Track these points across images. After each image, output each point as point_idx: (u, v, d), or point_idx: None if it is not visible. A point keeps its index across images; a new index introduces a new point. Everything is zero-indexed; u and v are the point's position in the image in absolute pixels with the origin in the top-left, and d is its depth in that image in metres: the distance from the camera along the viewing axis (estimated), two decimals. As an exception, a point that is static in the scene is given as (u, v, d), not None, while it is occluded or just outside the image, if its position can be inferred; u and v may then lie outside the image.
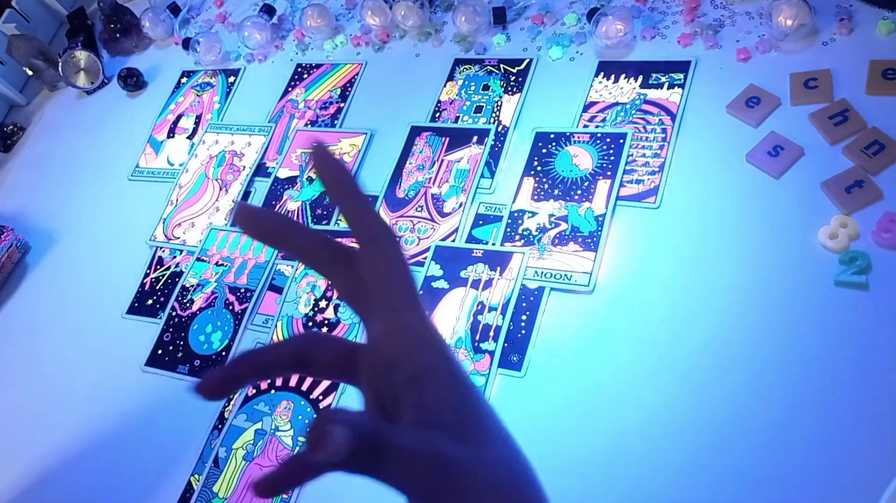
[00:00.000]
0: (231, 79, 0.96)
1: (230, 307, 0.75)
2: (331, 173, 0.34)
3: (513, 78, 0.80)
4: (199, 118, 0.95)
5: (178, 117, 0.96)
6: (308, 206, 0.79)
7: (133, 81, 1.01)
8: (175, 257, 0.82)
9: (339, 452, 0.28)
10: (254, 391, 0.69)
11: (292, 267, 0.75)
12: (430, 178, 0.76)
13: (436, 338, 0.33)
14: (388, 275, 0.33)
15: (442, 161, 0.76)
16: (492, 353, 0.63)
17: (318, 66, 0.92)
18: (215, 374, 0.33)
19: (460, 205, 0.73)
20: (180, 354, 0.74)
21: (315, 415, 0.26)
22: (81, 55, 1.04)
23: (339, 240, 0.34)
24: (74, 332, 0.81)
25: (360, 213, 0.34)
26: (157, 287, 0.81)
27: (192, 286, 0.79)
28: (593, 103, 0.74)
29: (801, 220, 0.61)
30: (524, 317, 0.64)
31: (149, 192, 0.90)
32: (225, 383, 0.33)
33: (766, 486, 0.51)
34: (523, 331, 0.63)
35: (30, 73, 1.08)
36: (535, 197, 0.70)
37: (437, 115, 0.81)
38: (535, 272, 0.66)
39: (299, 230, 0.34)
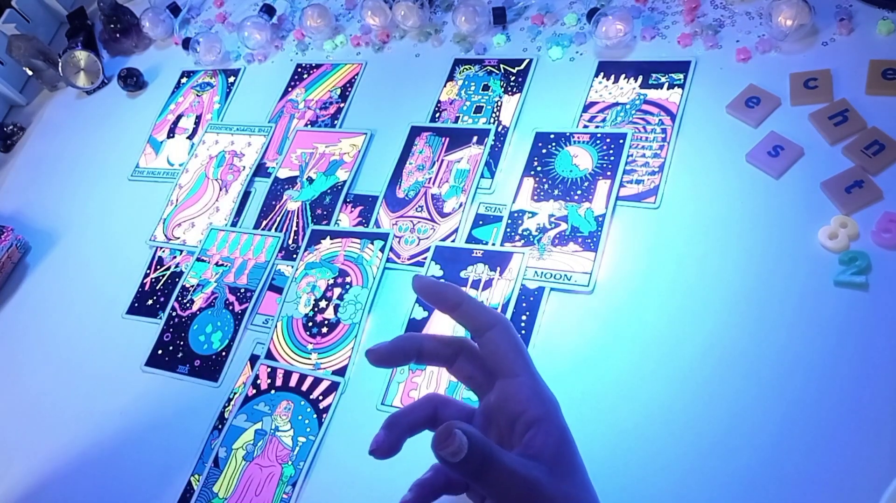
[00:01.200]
0: (231, 79, 0.96)
1: (230, 307, 0.75)
2: (440, 297, 0.44)
3: (513, 78, 0.80)
4: (199, 118, 0.95)
5: (178, 117, 0.96)
6: (308, 206, 0.79)
7: (133, 81, 1.01)
8: (175, 257, 0.82)
9: (459, 452, 0.36)
10: (254, 391, 0.69)
11: (292, 267, 0.76)
12: (430, 179, 0.76)
13: (547, 395, 0.43)
14: (507, 349, 0.43)
15: (442, 161, 0.77)
16: (492, 353, 0.63)
17: (318, 66, 0.92)
18: (381, 437, 0.44)
19: (460, 205, 0.73)
20: (180, 354, 0.74)
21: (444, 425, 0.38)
22: (81, 55, 1.04)
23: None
24: (74, 332, 0.82)
25: (475, 311, 0.44)
26: (157, 287, 0.81)
27: (192, 286, 0.79)
28: (593, 103, 0.74)
29: (800, 220, 0.61)
30: (524, 318, 0.64)
31: (149, 192, 0.90)
32: (384, 446, 0.44)
33: (765, 486, 0.51)
34: (523, 332, 0.63)
35: (30, 73, 1.08)
36: (535, 197, 0.70)
37: (437, 115, 0.81)
38: (535, 272, 0.66)
39: (471, 301, 0.44)
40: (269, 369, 0.70)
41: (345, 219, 0.77)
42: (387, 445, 0.43)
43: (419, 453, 0.61)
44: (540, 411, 0.42)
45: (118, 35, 1.07)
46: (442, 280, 0.48)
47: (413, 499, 0.45)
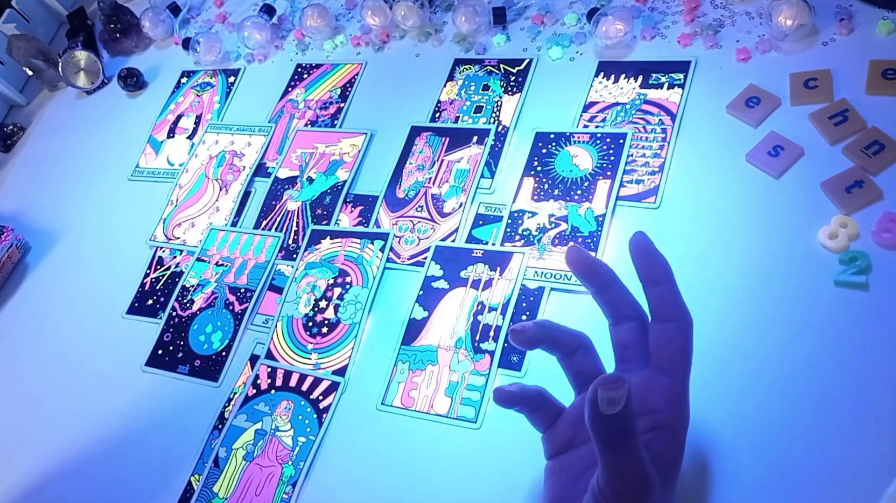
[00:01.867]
0: (231, 79, 0.96)
1: (230, 307, 0.75)
2: (650, 266, 0.43)
3: (513, 78, 0.80)
4: (199, 118, 0.95)
5: (178, 117, 0.96)
6: (308, 206, 0.79)
7: (133, 81, 1.01)
8: (175, 257, 0.82)
9: (617, 403, 0.34)
10: (254, 391, 0.69)
11: (292, 267, 0.76)
12: (430, 178, 0.76)
13: (686, 409, 0.42)
14: (676, 347, 0.42)
15: (442, 161, 0.77)
16: (492, 353, 0.63)
17: (318, 66, 0.92)
18: (529, 328, 0.43)
19: (460, 205, 0.73)
20: (180, 354, 0.74)
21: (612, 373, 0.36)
22: (81, 55, 1.04)
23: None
24: (74, 332, 0.82)
25: (670, 297, 0.42)
26: (157, 287, 0.81)
27: (193, 286, 0.79)
28: (593, 103, 0.74)
29: (800, 220, 0.61)
30: (524, 318, 0.64)
31: (149, 192, 0.90)
32: (533, 338, 0.44)
33: (765, 486, 0.51)
34: (523, 332, 0.63)
35: (30, 73, 1.08)
36: (535, 197, 0.70)
37: (437, 115, 0.81)
38: (535, 272, 0.66)
39: (618, 285, 0.44)
40: (269, 369, 0.70)
41: (345, 219, 0.77)
42: (530, 335, 0.44)
43: (420, 453, 0.61)
44: (674, 420, 0.41)
45: (118, 35, 1.07)
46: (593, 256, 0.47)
47: (510, 392, 0.45)
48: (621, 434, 0.35)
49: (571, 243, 0.44)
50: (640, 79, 0.74)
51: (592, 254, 0.47)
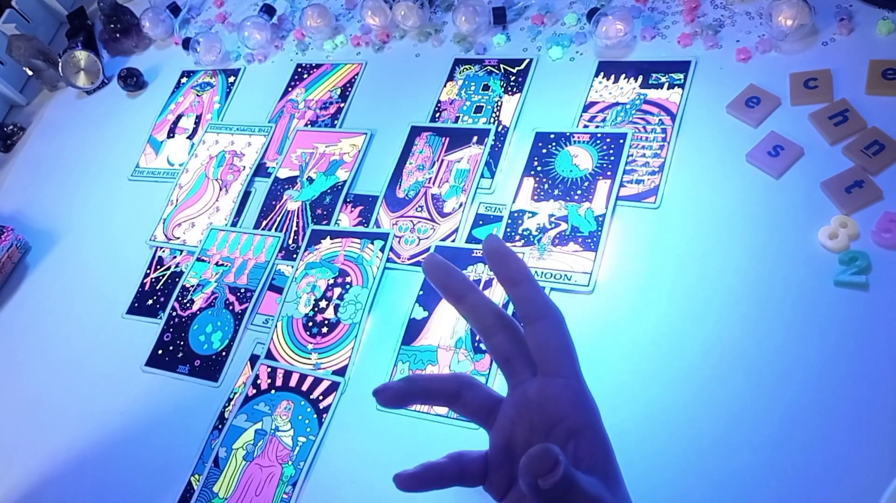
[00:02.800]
0: (231, 79, 0.96)
1: (230, 307, 0.75)
2: (505, 265, 0.40)
3: (513, 78, 0.80)
4: (199, 118, 0.95)
5: (178, 117, 0.96)
6: (308, 206, 0.79)
7: (133, 81, 1.01)
8: (175, 257, 0.82)
9: (558, 474, 0.33)
10: (254, 391, 0.69)
11: (292, 267, 0.76)
12: (430, 178, 0.76)
13: (592, 402, 0.40)
14: (556, 346, 0.40)
15: (442, 161, 0.77)
16: (492, 353, 0.63)
17: (318, 66, 0.92)
18: (392, 386, 0.40)
19: (460, 205, 0.73)
20: (180, 354, 0.74)
21: (539, 447, 0.34)
22: (81, 55, 1.04)
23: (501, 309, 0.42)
24: (74, 332, 0.81)
25: (533, 295, 0.40)
26: (157, 287, 0.81)
27: (193, 286, 0.79)
28: (593, 103, 0.74)
29: (800, 219, 0.61)
30: (524, 318, 0.64)
31: (149, 192, 0.90)
32: (399, 396, 0.40)
33: (766, 486, 0.51)
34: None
35: (30, 73, 1.08)
36: (535, 197, 0.70)
37: (437, 115, 0.81)
38: (535, 272, 0.66)
39: (477, 294, 0.41)
40: (269, 369, 0.70)
41: (345, 219, 0.77)
42: (394, 393, 0.40)
43: (420, 453, 0.61)
44: (584, 420, 0.39)
45: (118, 35, 1.07)
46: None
47: (415, 474, 0.40)
48: (565, 493, 0.34)
49: (430, 251, 0.41)
50: (640, 79, 0.74)
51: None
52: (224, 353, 0.73)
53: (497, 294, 0.65)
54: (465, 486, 0.42)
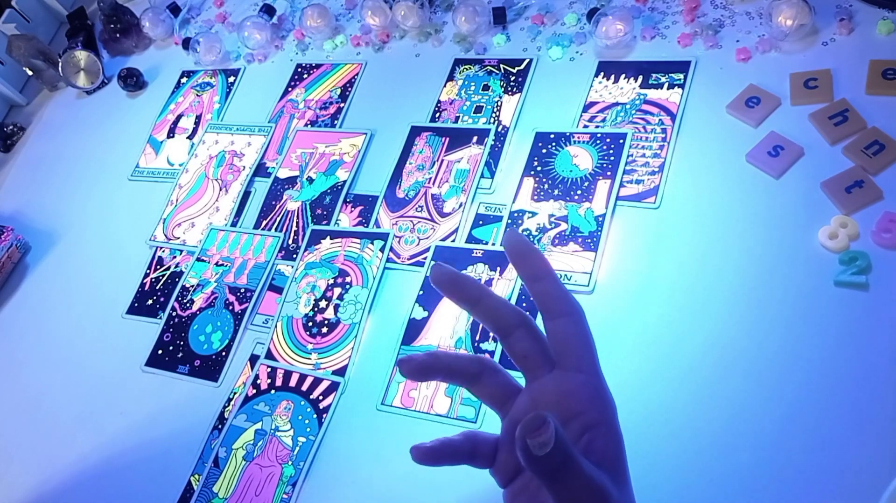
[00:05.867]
0: (231, 79, 0.96)
1: (230, 307, 0.75)
2: (526, 261, 0.40)
3: (513, 78, 0.80)
4: (199, 118, 0.95)
5: (178, 117, 0.96)
6: (308, 206, 0.79)
7: (133, 81, 1.01)
8: (175, 257, 0.82)
9: (546, 444, 0.33)
10: (254, 391, 0.69)
11: (292, 267, 0.76)
12: (430, 178, 0.76)
13: (610, 399, 0.41)
14: (577, 343, 0.40)
15: (442, 161, 0.77)
16: (492, 354, 0.63)
17: (318, 66, 0.92)
18: (416, 358, 0.40)
19: (460, 205, 0.73)
20: (180, 354, 0.74)
21: (533, 413, 0.34)
22: (81, 55, 1.04)
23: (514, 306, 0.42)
24: (74, 332, 0.82)
25: (554, 291, 0.40)
26: (157, 287, 0.81)
27: (192, 286, 0.79)
28: (593, 103, 0.74)
29: (800, 220, 0.61)
30: (524, 318, 0.64)
31: (149, 192, 0.90)
32: (423, 369, 0.40)
33: (765, 486, 0.51)
34: (523, 332, 0.63)
35: (30, 73, 1.08)
36: (535, 197, 0.70)
37: (437, 115, 0.81)
38: (535, 272, 0.66)
39: (491, 297, 0.41)
40: (269, 369, 0.70)
41: (345, 219, 0.77)
42: (417, 365, 0.40)
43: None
44: (601, 415, 0.40)
45: (118, 35, 1.07)
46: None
47: (431, 448, 0.41)
48: (561, 465, 0.34)
49: (435, 263, 0.41)
50: (640, 79, 0.74)
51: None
52: (224, 353, 0.73)
53: (497, 293, 0.65)
54: (474, 466, 0.43)
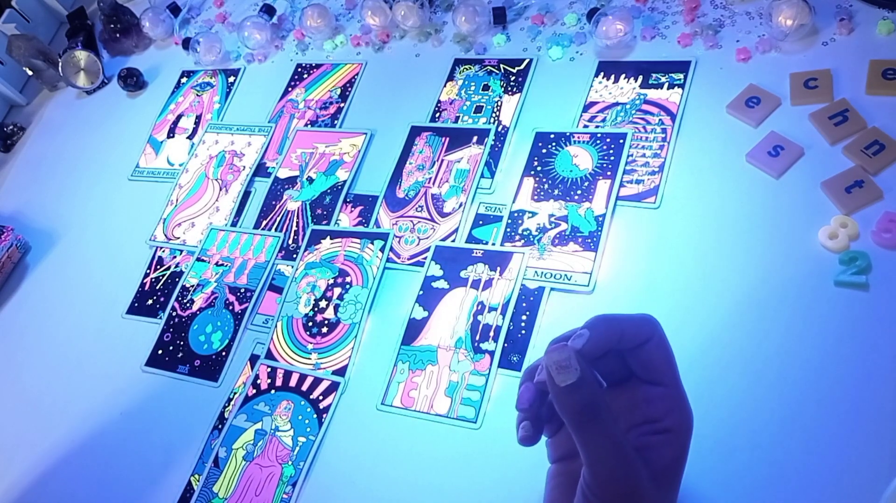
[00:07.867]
0: (231, 79, 0.96)
1: (230, 307, 0.75)
2: (612, 335, 0.41)
3: (513, 78, 0.80)
4: (199, 118, 0.95)
5: (178, 117, 0.96)
6: (308, 206, 0.79)
7: (133, 81, 1.01)
8: (175, 257, 0.82)
9: (568, 370, 0.33)
10: (254, 391, 0.69)
11: (292, 267, 0.75)
12: (430, 178, 0.76)
13: (688, 410, 0.42)
14: (660, 357, 0.42)
15: (442, 161, 0.77)
16: (492, 353, 0.63)
17: (318, 66, 0.92)
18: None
19: (460, 205, 0.73)
20: (180, 354, 0.74)
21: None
22: (81, 55, 1.04)
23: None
24: (74, 332, 0.81)
25: (629, 332, 0.41)
26: (157, 287, 0.81)
27: (192, 286, 0.79)
28: (593, 103, 0.74)
29: (801, 220, 0.61)
30: (524, 318, 0.64)
31: (149, 192, 0.90)
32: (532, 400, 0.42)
33: (766, 486, 0.51)
34: (523, 332, 0.63)
35: (30, 73, 1.08)
36: (535, 197, 0.70)
37: (437, 115, 0.81)
38: (535, 272, 0.66)
39: (625, 322, 0.42)
40: (269, 369, 0.70)
41: (345, 219, 0.77)
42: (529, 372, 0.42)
43: (420, 453, 0.61)
44: (676, 424, 0.41)
45: (118, 35, 1.07)
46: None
47: (528, 390, 0.42)
48: (585, 408, 0.35)
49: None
50: (640, 79, 0.74)
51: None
52: (224, 353, 0.73)
53: (497, 293, 0.65)
54: (538, 428, 0.43)
